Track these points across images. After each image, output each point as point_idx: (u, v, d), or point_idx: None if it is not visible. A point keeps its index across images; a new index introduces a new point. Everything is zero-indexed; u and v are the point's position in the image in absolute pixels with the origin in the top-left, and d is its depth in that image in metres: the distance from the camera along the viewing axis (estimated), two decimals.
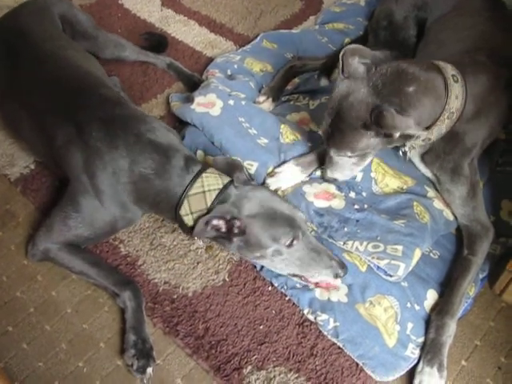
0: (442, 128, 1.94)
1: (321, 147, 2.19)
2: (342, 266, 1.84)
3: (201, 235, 1.84)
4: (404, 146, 2.06)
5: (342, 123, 1.90)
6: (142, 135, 1.95)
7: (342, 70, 1.92)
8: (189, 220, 1.87)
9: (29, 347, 1.88)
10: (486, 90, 2.01)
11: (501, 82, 2.04)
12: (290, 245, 1.79)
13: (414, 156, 2.16)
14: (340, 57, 1.93)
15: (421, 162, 2.14)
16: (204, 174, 1.88)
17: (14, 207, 2.28)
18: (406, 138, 1.91)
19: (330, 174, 2.10)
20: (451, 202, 2.11)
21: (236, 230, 1.79)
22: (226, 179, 1.89)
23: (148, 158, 1.90)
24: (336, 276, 1.85)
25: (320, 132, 2.05)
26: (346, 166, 2.06)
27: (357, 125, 1.87)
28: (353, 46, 1.97)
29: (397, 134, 1.81)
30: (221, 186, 1.85)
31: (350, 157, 1.99)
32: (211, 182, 1.86)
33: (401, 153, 2.10)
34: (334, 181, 2.14)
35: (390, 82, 1.84)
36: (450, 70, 1.92)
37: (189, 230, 1.89)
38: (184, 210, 1.86)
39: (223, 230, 1.80)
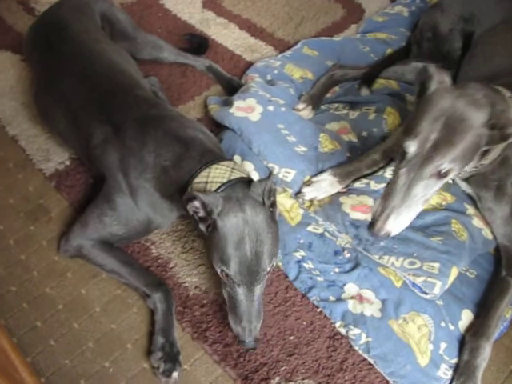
0: (497, 152, 1.86)
1: (362, 157, 2.17)
2: (250, 338, 1.72)
3: (183, 204, 1.74)
4: None
5: (460, 123, 1.67)
6: (170, 131, 1.94)
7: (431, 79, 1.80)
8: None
9: (56, 344, 1.87)
10: None
11: None
12: (226, 277, 1.70)
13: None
14: (429, 67, 1.83)
15: (462, 180, 2.08)
16: (214, 166, 1.81)
17: (48, 202, 2.28)
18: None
19: (390, 224, 1.71)
20: (492, 221, 2.05)
21: (204, 224, 1.73)
22: (236, 175, 1.80)
23: (170, 151, 1.89)
24: (238, 340, 1.75)
25: (413, 147, 1.69)
26: (417, 197, 1.72)
27: (478, 123, 1.66)
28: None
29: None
30: (224, 180, 1.77)
31: (440, 175, 1.71)
32: (218, 174, 1.79)
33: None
34: (384, 237, 1.78)
35: None
36: (507, 93, 1.85)
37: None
38: None
39: (200, 214, 1.72)
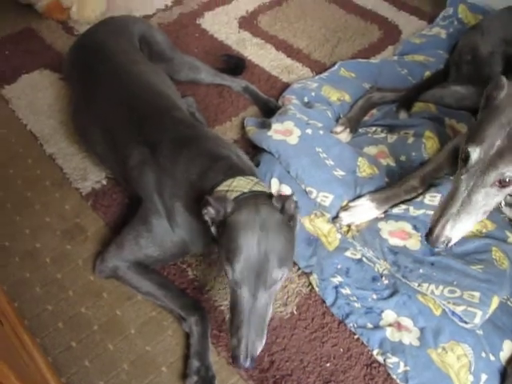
0: None
1: (400, 183, 2.15)
2: (246, 355, 1.56)
3: (202, 210, 1.70)
4: None
5: None
6: (204, 150, 1.94)
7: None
8: None
9: (91, 365, 1.86)
10: None
11: None
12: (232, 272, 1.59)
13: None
14: (502, 78, 1.80)
15: (507, 205, 2.03)
16: (238, 177, 1.79)
17: (84, 221, 2.28)
18: None
19: (449, 229, 1.72)
20: None
21: (215, 227, 1.70)
22: (259, 188, 1.78)
23: (198, 166, 1.88)
24: (233, 356, 1.59)
25: (476, 153, 1.69)
26: (478, 205, 1.72)
27: None
28: None
29: None
30: (245, 190, 1.74)
31: (502, 185, 1.68)
32: (240, 184, 1.76)
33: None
34: (443, 245, 1.76)
35: None
36: None
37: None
38: None
39: (212, 215, 1.68)
